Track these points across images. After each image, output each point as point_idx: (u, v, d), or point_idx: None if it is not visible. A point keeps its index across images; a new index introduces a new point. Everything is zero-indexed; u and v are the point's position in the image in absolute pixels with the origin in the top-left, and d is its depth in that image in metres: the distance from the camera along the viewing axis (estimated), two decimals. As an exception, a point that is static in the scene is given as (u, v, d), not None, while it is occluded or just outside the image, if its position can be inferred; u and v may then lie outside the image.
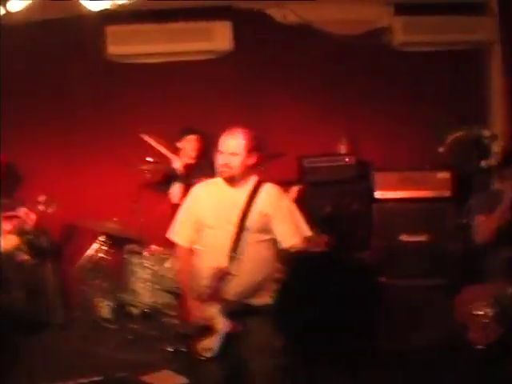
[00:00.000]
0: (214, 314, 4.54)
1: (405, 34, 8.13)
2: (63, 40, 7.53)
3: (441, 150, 7.34)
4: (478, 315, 4.97)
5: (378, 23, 8.19)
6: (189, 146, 7.27)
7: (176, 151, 7.25)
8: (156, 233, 7.23)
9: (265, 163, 6.73)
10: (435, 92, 8.08)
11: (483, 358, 4.96)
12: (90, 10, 3.93)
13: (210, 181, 4.95)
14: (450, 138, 7.36)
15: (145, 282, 6.59)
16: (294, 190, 7.08)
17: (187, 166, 7.16)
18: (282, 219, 4.75)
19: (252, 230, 4.64)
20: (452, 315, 5.23)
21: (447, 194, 7.55)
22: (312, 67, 8.07)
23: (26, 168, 7.28)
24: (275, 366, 4.59)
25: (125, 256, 6.83)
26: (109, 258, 6.74)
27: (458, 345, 5.22)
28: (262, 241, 4.68)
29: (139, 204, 6.61)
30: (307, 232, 4.81)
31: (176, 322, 6.21)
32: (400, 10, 8.13)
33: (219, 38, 7.86)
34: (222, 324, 4.52)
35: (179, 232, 4.93)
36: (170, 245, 6.91)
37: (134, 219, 6.61)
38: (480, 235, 5.42)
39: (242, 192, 4.74)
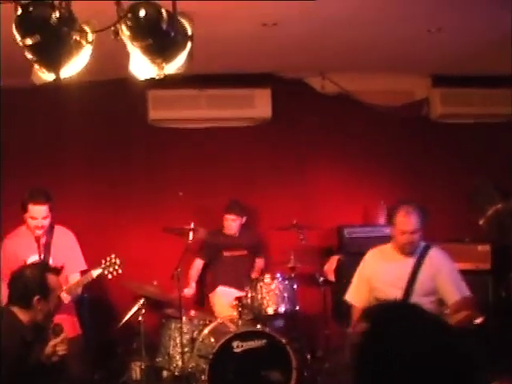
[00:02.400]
0: None
1: (443, 105, 8.17)
2: (107, 102, 7.64)
3: (481, 222, 7.27)
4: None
5: (416, 95, 8.24)
6: (226, 224, 7.36)
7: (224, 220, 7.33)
8: (195, 298, 7.27)
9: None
10: (475, 164, 8.08)
11: None
12: (136, 77, 3.93)
13: (382, 247, 5.38)
14: (490, 211, 7.29)
15: (181, 346, 6.51)
16: (334, 259, 7.05)
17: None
18: (446, 279, 5.04)
19: (421, 294, 4.91)
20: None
21: (487, 266, 7.45)
22: (351, 137, 8.12)
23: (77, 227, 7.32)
24: None
25: (163, 320, 6.77)
26: (146, 321, 6.66)
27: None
28: (429, 303, 4.83)
29: (180, 269, 6.57)
30: (467, 292, 5.10)
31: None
32: (438, 81, 8.19)
33: (259, 105, 7.91)
34: None
35: (355, 293, 5.32)
36: (209, 311, 6.95)
37: (174, 284, 6.56)
38: None
39: (410, 259, 5.08)
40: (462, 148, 8.19)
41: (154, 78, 3.89)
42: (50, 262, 6.23)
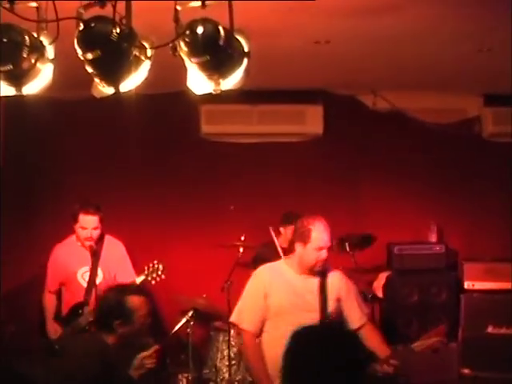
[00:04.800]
0: None
1: (494, 124, 8.13)
2: (161, 115, 7.77)
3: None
4: None
5: (468, 113, 8.21)
6: (282, 236, 7.30)
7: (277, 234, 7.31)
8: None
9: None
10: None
11: None
12: (193, 92, 4.01)
13: (273, 264, 5.08)
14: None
15: (229, 359, 6.56)
16: (383, 276, 7.04)
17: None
18: (352, 302, 4.95)
19: (331, 315, 4.79)
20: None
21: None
22: (402, 154, 8.10)
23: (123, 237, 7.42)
24: None
25: (211, 333, 6.83)
26: (194, 332, 6.73)
27: None
28: None
29: (230, 282, 6.63)
30: (366, 309, 5.14)
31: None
32: (490, 100, 8.15)
33: (311, 121, 7.95)
34: None
35: (246, 315, 4.92)
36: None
37: (223, 297, 6.62)
38: None
39: (312, 279, 4.86)
40: (512, 167, 8.12)
41: (208, 93, 3.97)
42: (99, 272, 6.35)
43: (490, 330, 7.30)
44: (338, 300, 4.88)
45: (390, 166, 8.11)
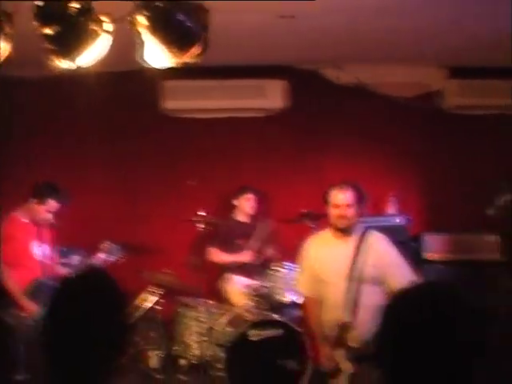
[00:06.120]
0: (341, 358, 4.86)
1: (458, 97, 8.17)
2: (123, 93, 7.72)
3: (491, 212, 7.29)
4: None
5: (432, 86, 8.24)
6: (246, 204, 7.36)
7: (231, 208, 7.37)
8: (211, 287, 7.32)
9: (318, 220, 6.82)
10: (487, 155, 8.07)
11: None
12: (155, 69, 4.00)
13: (321, 233, 5.36)
14: (501, 201, 7.31)
15: (197, 335, 6.56)
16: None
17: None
18: (394, 267, 4.97)
19: (365, 280, 4.90)
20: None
21: (496, 257, 7.48)
22: (365, 127, 8.12)
23: (83, 216, 7.39)
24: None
25: (179, 309, 6.82)
26: (162, 309, 6.74)
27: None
28: (376, 290, 4.85)
29: (193, 257, 6.65)
30: (413, 277, 4.94)
31: (222, 374, 6.17)
32: (454, 73, 8.19)
33: (273, 96, 7.96)
34: (348, 366, 4.83)
35: (303, 283, 5.35)
36: (220, 299, 6.99)
37: (188, 272, 6.64)
38: None
39: (350, 244, 5.03)
40: (476, 139, 8.16)
41: (170, 69, 3.97)
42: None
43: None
44: (376, 266, 4.95)
45: (352, 140, 8.13)
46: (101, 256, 6.50)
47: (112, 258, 6.53)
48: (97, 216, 7.58)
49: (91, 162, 7.78)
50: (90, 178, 7.76)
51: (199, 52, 3.80)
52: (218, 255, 7.23)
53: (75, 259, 6.72)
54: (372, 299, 4.72)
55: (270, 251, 7.25)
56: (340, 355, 4.88)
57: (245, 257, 7.13)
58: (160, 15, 3.53)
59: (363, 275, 4.90)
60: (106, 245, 6.55)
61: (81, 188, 7.34)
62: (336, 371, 4.91)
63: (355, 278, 4.87)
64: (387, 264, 4.97)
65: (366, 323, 4.62)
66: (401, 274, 4.88)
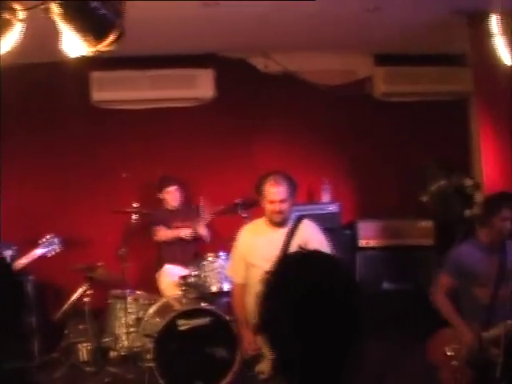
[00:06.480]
0: (263, 343, 4.73)
1: (385, 84, 8.21)
2: (50, 84, 7.57)
3: (424, 198, 7.35)
4: (449, 356, 4.91)
5: (359, 73, 8.29)
6: (170, 197, 7.30)
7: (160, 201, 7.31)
8: (141, 278, 7.27)
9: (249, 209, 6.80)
10: (417, 141, 8.16)
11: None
12: (70, 57, 3.88)
13: (255, 221, 5.41)
14: (433, 187, 7.37)
15: (127, 326, 6.54)
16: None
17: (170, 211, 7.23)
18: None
19: None
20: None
21: (430, 242, 7.58)
22: (294, 116, 8.13)
23: (19, 209, 7.27)
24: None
25: (109, 301, 6.75)
26: (93, 301, 6.67)
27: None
28: None
29: (124, 249, 6.60)
30: None
31: (152, 364, 6.12)
32: (381, 60, 8.25)
33: (202, 85, 7.90)
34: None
35: (233, 269, 5.41)
36: (154, 291, 6.94)
37: (119, 264, 6.59)
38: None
39: (282, 231, 5.08)
40: (405, 126, 8.26)
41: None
42: None
43: (385, 286, 7.48)
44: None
45: (282, 128, 8.14)
46: (40, 250, 6.45)
47: (51, 252, 6.49)
48: (27, 209, 7.46)
49: (19, 155, 7.61)
50: (19, 169, 7.61)
51: (115, 40, 3.69)
52: (164, 232, 7.18)
53: (7, 254, 6.60)
54: None
55: (202, 229, 7.19)
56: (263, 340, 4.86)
57: (184, 232, 7.08)
58: (73, 3, 3.43)
59: None
60: (45, 239, 6.49)
61: (10, 181, 7.22)
62: (259, 356, 4.95)
63: None
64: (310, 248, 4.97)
65: None
66: None
